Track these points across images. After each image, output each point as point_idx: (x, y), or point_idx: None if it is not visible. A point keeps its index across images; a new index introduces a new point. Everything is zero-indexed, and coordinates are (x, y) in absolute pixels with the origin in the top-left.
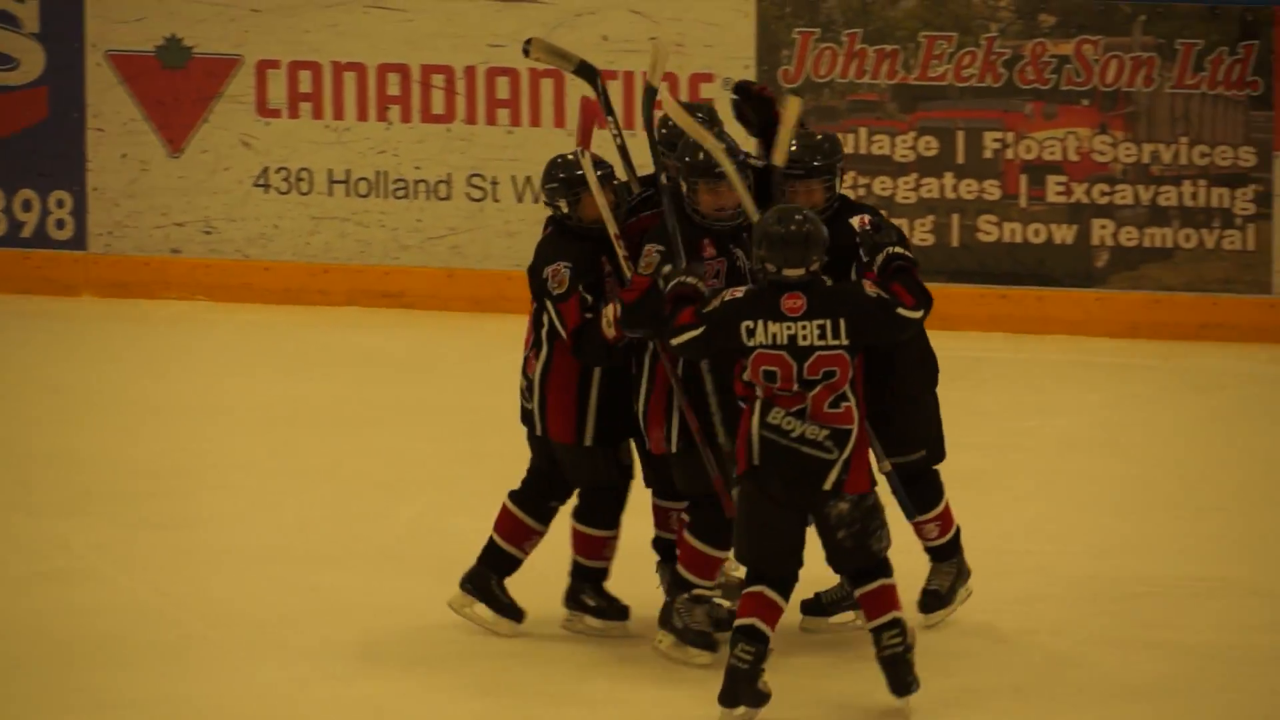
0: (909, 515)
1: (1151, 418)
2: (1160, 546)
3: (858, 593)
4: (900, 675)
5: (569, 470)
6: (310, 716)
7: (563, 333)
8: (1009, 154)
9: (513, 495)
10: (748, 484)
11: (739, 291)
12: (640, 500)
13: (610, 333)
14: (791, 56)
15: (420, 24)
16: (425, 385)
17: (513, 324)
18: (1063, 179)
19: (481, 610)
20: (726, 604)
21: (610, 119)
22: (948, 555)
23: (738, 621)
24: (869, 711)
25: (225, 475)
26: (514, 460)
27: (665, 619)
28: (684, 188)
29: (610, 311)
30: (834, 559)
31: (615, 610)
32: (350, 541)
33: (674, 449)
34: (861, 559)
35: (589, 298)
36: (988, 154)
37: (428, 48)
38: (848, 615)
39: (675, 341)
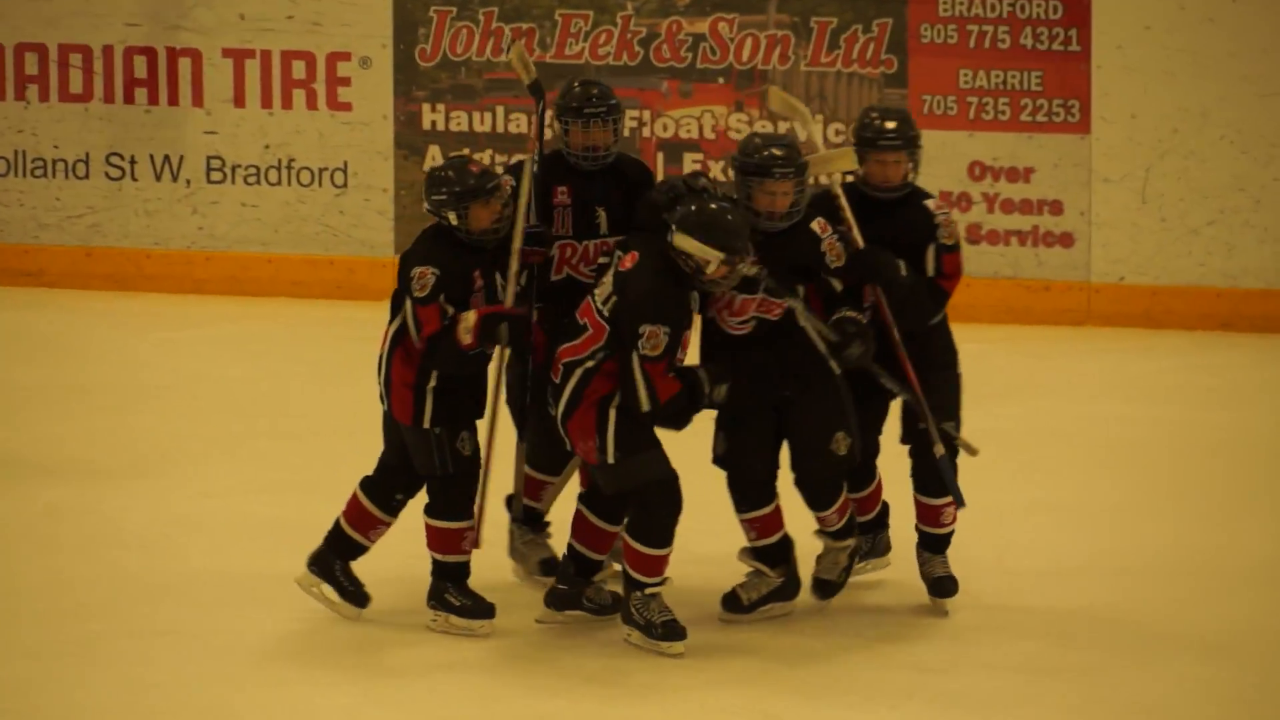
0: (960, 503)
1: None
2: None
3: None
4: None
5: (410, 454)
6: None
7: (415, 335)
8: (645, 132)
9: (363, 483)
10: None
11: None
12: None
13: (466, 340)
14: (429, 35)
15: (58, 3)
16: (66, 364)
17: (153, 302)
18: (699, 156)
19: (328, 591)
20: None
21: (537, 144)
22: (944, 546)
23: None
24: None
25: None
26: (160, 439)
27: (625, 615)
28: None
29: (469, 318)
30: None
31: (481, 609)
32: None
33: (610, 459)
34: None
35: (449, 309)
36: (625, 132)
37: (65, 27)
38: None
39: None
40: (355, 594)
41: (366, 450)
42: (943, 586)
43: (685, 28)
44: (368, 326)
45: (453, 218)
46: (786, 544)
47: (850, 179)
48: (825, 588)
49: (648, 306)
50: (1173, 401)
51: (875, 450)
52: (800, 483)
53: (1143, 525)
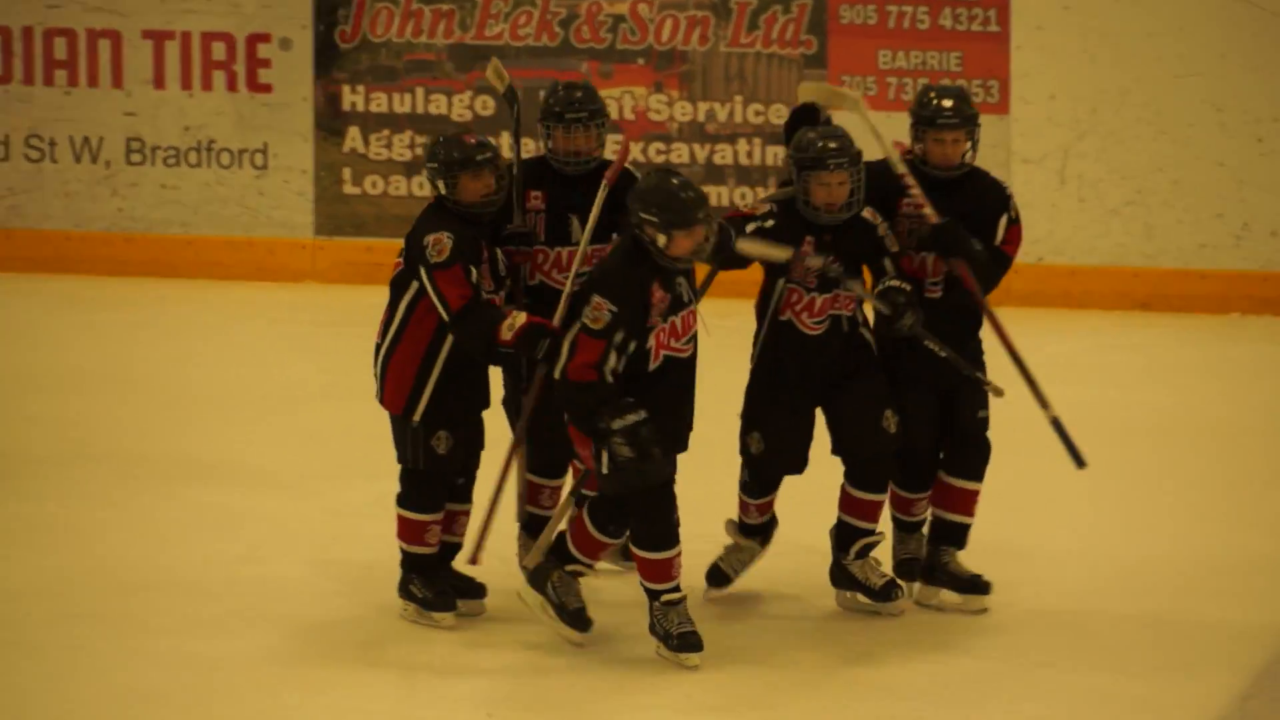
0: (1079, 463)
1: (719, 380)
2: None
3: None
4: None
5: (394, 442)
6: None
7: (441, 307)
8: None
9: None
10: None
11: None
12: None
13: (505, 336)
14: (349, 16)
15: None
16: None
17: (73, 284)
18: (619, 137)
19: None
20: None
21: (514, 144)
22: (965, 539)
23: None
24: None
25: None
26: (83, 423)
27: (651, 625)
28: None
29: (519, 318)
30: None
31: (441, 602)
32: None
33: (604, 468)
34: None
35: (473, 270)
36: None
37: None
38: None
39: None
40: (470, 588)
41: (293, 433)
42: (977, 584)
43: (605, 8)
44: (288, 309)
45: (442, 186)
46: (773, 523)
47: (909, 157)
48: (891, 588)
49: (601, 278)
50: (1091, 382)
51: (938, 446)
52: (854, 466)
53: (1059, 510)
